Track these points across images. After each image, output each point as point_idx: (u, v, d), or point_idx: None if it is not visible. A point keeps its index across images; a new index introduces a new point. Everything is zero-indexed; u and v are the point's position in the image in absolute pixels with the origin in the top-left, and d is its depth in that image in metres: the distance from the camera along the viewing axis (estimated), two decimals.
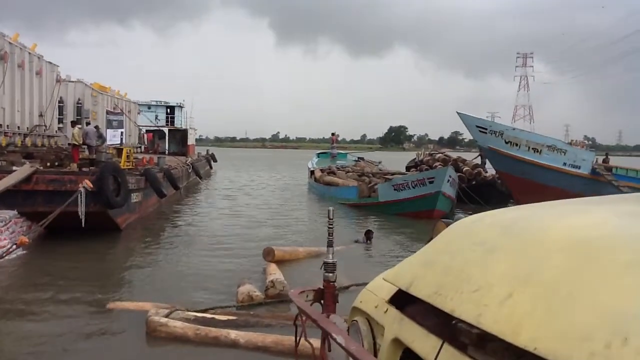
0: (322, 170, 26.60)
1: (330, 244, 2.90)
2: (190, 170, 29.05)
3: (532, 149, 20.49)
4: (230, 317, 6.91)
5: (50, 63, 20.06)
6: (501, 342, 1.36)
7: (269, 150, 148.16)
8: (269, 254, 10.07)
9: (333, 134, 36.07)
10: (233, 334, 6.21)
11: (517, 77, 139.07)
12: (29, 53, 17.57)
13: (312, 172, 28.19)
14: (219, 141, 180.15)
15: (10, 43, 15.91)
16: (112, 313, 7.39)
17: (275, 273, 8.85)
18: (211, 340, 6.19)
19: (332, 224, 2.97)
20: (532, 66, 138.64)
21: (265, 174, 40.76)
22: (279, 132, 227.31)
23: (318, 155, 34.89)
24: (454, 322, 1.52)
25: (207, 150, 49.13)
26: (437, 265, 1.85)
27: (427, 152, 31.04)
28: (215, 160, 46.27)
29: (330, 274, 2.81)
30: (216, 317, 6.83)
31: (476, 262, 1.67)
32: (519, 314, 1.35)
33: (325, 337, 2.25)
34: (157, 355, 6.15)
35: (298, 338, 2.53)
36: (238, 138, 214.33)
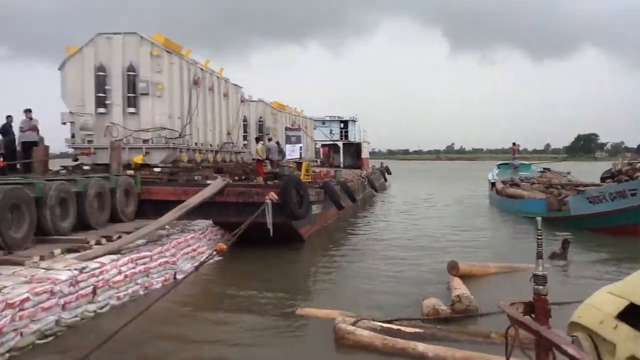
0: (503, 182, 25.50)
1: (539, 256, 2.78)
2: (365, 183, 29.74)
3: None
4: (417, 330, 6.91)
5: (235, 85, 21.99)
6: None
7: (443, 162, 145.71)
8: (453, 268, 9.89)
9: (514, 144, 34.46)
10: (421, 346, 6.19)
11: None
12: (217, 77, 19.45)
13: (492, 184, 27.18)
14: (391, 154, 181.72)
15: (202, 69, 17.77)
16: (300, 318, 7.84)
17: (460, 288, 8.66)
18: (398, 351, 6.24)
19: (540, 235, 2.84)
20: None
21: (441, 187, 40.13)
22: (453, 144, 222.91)
23: (498, 166, 33.57)
24: None
25: (382, 163, 49.84)
26: None
27: (626, 162, 28.06)
28: (389, 173, 46.78)
29: (541, 287, 2.69)
30: (402, 328, 6.87)
31: None
32: None
33: (549, 349, 2.14)
34: None
35: (510, 350, 2.44)
36: (411, 150, 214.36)
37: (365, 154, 44.23)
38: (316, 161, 33.50)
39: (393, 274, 10.88)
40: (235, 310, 8.42)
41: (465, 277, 9.66)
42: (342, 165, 38.20)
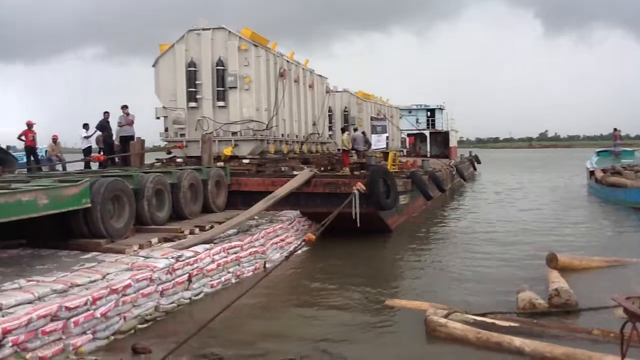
0: (604, 171, 24.11)
1: None
2: (454, 173, 29.08)
3: None
4: (512, 324, 6.69)
5: (321, 76, 22.14)
6: None
7: (536, 150, 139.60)
8: (552, 260, 9.49)
9: (615, 130, 32.54)
10: (517, 341, 5.99)
11: None
12: (303, 69, 19.66)
13: (591, 173, 25.76)
14: (480, 142, 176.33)
15: (287, 61, 18.01)
16: (390, 309, 7.81)
17: (559, 281, 8.29)
18: (493, 345, 6.07)
19: None
20: None
21: (535, 176, 38.51)
22: (547, 131, 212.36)
23: (598, 153, 31.78)
24: None
25: (470, 152, 48.54)
26: None
27: None
28: (479, 162, 45.50)
29: None
30: (497, 322, 6.68)
31: None
32: None
33: None
34: (437, 354, 6.28)
35: (626, 348, 2.30)
36: (501, 138, 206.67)
37: (453, 142, 43.21)
38: (402, 151, 33.13)
39: (484, 266, 10.59)
40: (323, 300, 8.53)
41: (564, 271, 9.23)
42: (429, 154, 37.56)
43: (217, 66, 15.47)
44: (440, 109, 42.83)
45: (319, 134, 20.91)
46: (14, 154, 24.03)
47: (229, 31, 15.66)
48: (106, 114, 17.26)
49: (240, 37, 15.58)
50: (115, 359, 5.67)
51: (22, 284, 6.41)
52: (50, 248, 8.43)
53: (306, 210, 13.17)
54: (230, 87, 15.52)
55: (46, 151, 21.19)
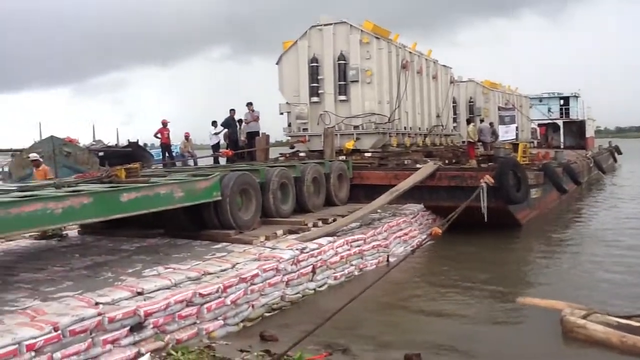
0: None
1: None
2: (591, 165, 27.18)
3: None
4: None
5: (444, 66, 21.62)
6: None
7: None
8: None
9: None
10: None
11: None
12: (426, 59, 19.30)
13: None
14: (621, 132, 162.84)
15: (410, 52, 17.78)
16: (520, 308, 7.45)
17: None
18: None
19: None
20: None
21: None
22: None
23: None
24: None
25: (610, 142, 45.02)
26: None
27: None
28: (619, 153, 42.13)
29: None
30: None
31: None
32: None
33: None
34: (576, 355, 5.91)
35: None
36: None
37: (589, 132, 40.31)
38: (532, 142, 31.48)
39: (625, 265, 9.75)
40: (448, 295, 8.34)
41: None
42: (562, 145, 35.36)
43: (338, 60, 15.64)
44: (575, 96, 40.08)
45: (443, 126, 20.44)
46: (151, 151, 25.97)
47: (351, 25, 15.76)
48: (232, 111, 18.12)
49: (361, 31, 15.63)
50: (244, 345, 5.92)
51: (160, 271, 6.90)
52: (185, 238, 9.01)
53: (430, 204, 12.94)
54: (352, 81, 15.62)
55: (179, 147, 22.63)
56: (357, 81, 15.54)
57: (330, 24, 15.92)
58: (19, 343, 4.57)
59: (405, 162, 15.18)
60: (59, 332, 4.87)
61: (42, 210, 6.26)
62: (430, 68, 19.64)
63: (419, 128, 18.40)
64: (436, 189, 12.74)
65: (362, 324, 6.98)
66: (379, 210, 11.67)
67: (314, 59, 15.89)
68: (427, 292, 8.57)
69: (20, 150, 19.38)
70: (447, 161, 16.29)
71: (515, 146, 18.66)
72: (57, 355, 4.82)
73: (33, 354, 4.64)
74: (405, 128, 17.20)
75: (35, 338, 4.68)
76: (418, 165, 13.96)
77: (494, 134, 20.93)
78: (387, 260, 10.14)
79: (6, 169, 21.44)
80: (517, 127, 22.86)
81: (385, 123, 15.70)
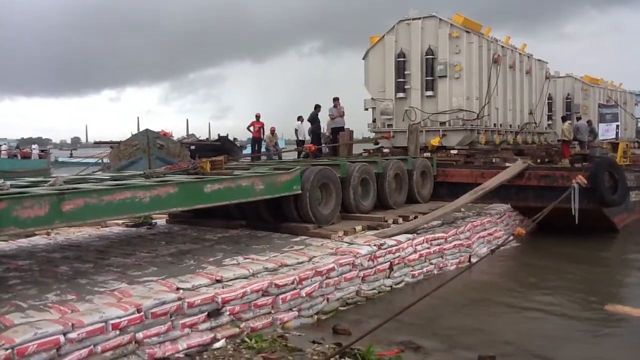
0: None
1: None
2: None
3: None
4: None
5: (539, 60, 20.78)
6: None
7: None
8: None
9: None
10: None
11: None
12: (519, 54, 18.64)
13: None
14: None
15: (502, 46, 17.25)
16: (609, 315, 7.10)
17: None
18: None
19: None
20: None
21: None
22: None
23: None
24: None
25: None
26: None
27: None
28: None
29: None
30: None
31: None
32: None
33: None
34: None
35: None
36: None
37: None
38: (638, 142, 29.57)
39: None
40: (529, 298, 8.09)
41: None
42: None
43: (426, 55, 15.46)
44: None
45: (535, 123, 19.67)
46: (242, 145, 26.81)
47: (440, 19, 15.52)
48: (317, 107, 18.38)
49: (451, 24, 15.35)
50: (317, 337, 6.02)
51: (239, 260, 7.16)
52: (265, 230, 9.27)
53: (517, 204, 12.55)
54: (440, 76, 15.39)
55: (265, 142, 23.26)
56: (445, 76, 15.30)
57: (419, 18, 15.76)
58: (105, 321, 4.91)
59: (494, 160, 14.78)
60: (142, 313, 5.19)
61: (132, 198, 6.66)
62: (524, 63, 18.96)
63: (510, 125, 17.83)
64: (525, 189, 12.33)
65: (438, 322, 6.92)
66: (462, 209, 11.45)
67: (401, 54, 15.80)
68: (508, 293, 8.34)
69: (118, 143, 20.64)
70: (538, 160, 15.71)
71: (615, 146, 17.65)
72: (139, 335, 5.13)
73: (118, 332, 4.97)
74: (494, 125, 16.73)
75: (120, 318, 5.01)
76: (507, 164, 13.55)
77: (592, 132, 19.91)
78: (469, 260, 9.93)
79: (105, 160, 22.93)
80: (618, 126, 21.59)
81: (474, 120, 15.35)
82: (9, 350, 4.25)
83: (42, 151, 44.86)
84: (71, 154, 58.67)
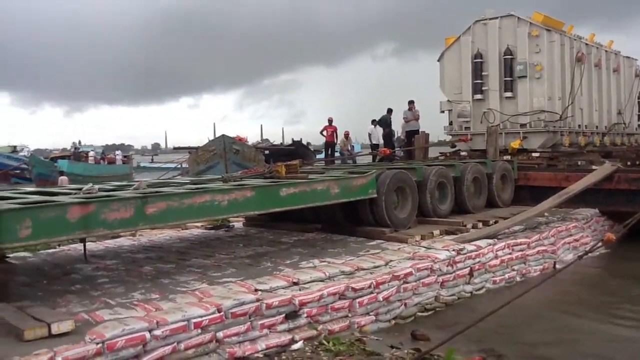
0: None
1: None
2: None
3: None
4: None
5: (628, 58, 19.80)
6: None
7: None
8: None
9: None
10: None
11: None
12: (605, 51, 17.83)
13: None
14: None
15: (586, 44, 16.57)
16: None
17: None
18: None
19: None
20: None
21: None
22: None
23: None
24: None
25: None
26: None
27: None
28: None
29: None
30: None
31: None
32: None
33: None
34: None
35: None
36: None
37: None
38: None
39: None
40: (620, 310, 7.65)
41: None
42: None
43: (504, 55, 15.05)
44: None
45: (625, 124, 18.74)
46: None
47: (518, 17, 15.09)
48: (389, 110, 18.31)
49: (530, 23, 14.89)
50: (395, 342, 5.97)
51: (315, 263, 7.22)
52: (340, 234, 9.29)
53: (606, 208, 11.97)
54: (519, 77, 14.95)
55: (340, 146, 23.39)
56: (525, 76, 14.84)
57: (496, 18, 15.39)
58: (188, 320, 5.07)
59: (579, 163, 14.20)
60: (222, 313, 5.32)
61: (210, 201, 6.86)
62: (611, 60, 18.12)
63: (596, 126, 17.07)
64: (614, 193, 11.71)
65: (520, 331, 6.70)
66: (546, 214, 11.05)
67: (478, 55, 15.47)
68: (594, 303, 7.96)
69: (196, 148, 21.34)
70: (628, 162, 14.90)
71: None
72: (220, 334, 5.26)
73: (199, 331, 5.12)
74: (579, 126, 16.06)
75: (201, 317, 5.16)
76: (593, 167, 12.96)
77: None
78: (554, 267, 9.55)
79: (184, 165, 23.77)
80: None
81: (556, 121, 14.80)
82: (100, 345, 4.47)
83: (124, 157, 47.16)
84: (152, 160, 61.36)
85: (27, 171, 35.95)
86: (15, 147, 53.39)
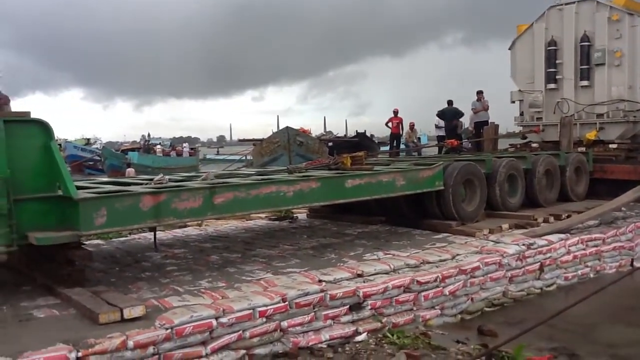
0: None
1: None
2: None
3: None
4: None
5: None
6: None
7: None
8: None
9: None
10: None
11: None
12: None
13: None
14: None
15: None
16: None
17: None
18: None
19: None
20: None
21: None
22: None
23: None
24: None
25: None
26: None
27: None
28: None
29: None
30: None
31: None
32: None
33: None
34: None
35: None
36: None
37: None
38: None
39: None
40: None
41: None
42: None
43: (581, 42, 14.45)
44: None
45: None
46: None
47: (597, 2, 14.45)
48: (450, 102, 18.11)
49: (611, 7, 14.23)
50: (461, 337, 5.91)
51: (380, 256, 7.22)
52: (405, 226, 9.26)
53: None
54: (597, 64, 14.32)
55: (405, 138, 23.19)
56: (603, 64, 14.20)
57: (573, 3, 14.77)
58: (253, 309, 5.20)
59: None
60: (287, 303, 5.42)
61: (276, 192, 6.98)
62: None
63: None
64: None
65: (594, 329, 6.48)
66: (623, 209, 10.61)
67: (552, 42, 14.92)
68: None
69: (260, 140, 21.70)
70: None
71: None
72: (284, 324, 5.36)
73: (264, 319, 5.23)
74: None
75: (266, 306, 5.27)
76: None
77: None
78: (631, 264, 9.20)
79: (249, 157, 24.23)
80: None
81: (637, 111, 14.12)
82: (169, 330, 4.65)
83: (191, 149, 48.49)
84: (218, 152, 62.81)
85: (100, 163, 37.71)
86: (88, 139, 56.03)
